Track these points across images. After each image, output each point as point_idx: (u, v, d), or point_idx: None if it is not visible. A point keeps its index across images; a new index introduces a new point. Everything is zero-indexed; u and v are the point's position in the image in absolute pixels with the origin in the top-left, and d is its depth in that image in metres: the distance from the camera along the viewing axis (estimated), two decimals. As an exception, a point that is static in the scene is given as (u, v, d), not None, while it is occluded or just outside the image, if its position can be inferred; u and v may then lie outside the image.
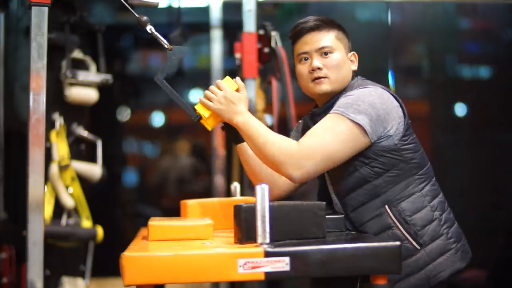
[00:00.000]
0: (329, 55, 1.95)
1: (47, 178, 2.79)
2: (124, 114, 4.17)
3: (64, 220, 2.90)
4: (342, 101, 1.86)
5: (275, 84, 2.82)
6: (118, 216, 4.07)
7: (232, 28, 3.82)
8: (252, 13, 2.68)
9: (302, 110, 2.85)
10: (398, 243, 1.58)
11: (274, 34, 2.80)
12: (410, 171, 1.88)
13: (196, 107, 1.93)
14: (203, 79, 3.84)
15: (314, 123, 2.01)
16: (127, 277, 1.49)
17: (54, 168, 2.83)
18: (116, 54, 4.11)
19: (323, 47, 1.95)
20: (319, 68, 1.94)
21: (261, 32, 2.80)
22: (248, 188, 2.70)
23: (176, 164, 4.18)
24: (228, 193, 3.17)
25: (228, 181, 3.67)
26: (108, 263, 2.83)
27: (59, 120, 2.90)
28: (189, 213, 2.10)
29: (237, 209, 1.66)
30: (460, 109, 4.02)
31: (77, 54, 2.99)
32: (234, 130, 1.93)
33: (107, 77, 3.01)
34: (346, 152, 1.82)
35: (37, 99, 1.91)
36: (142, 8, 2.31)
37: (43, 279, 1.88)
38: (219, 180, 3.86)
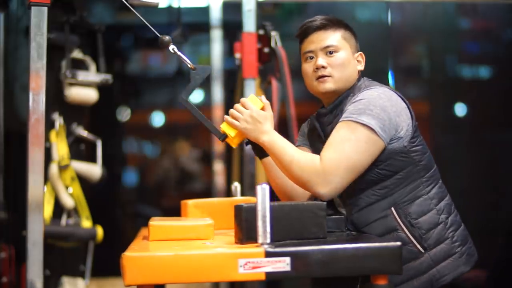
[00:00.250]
0: (334, 54, 1.95)
1: (47, 178, 2.79)
2: (124, 114, 4.16)
3: (64, 220, 2.90)
4: (353, 106, 1.85)
5: (275, 84, 2.82)
6: (118, 216, 4.07)
7: (232, 28, 3.82)
8: (252, 13, 2.68)
9: (302, 110, 2.86)
10: (398, 243, 1.57)
11: (274, 34, 2.80)
12: (418, 173, 1.88)
13: (221, 126, 1.92)
14: (203, 79, 3.83)
15: (320, 123, 2.01)
16: (128, 277, 1.49)
17: (54, 168, 2.83)
18: (116, 54, 4.10)
19: (328, 46, 1.95)
20: (323, 67, 1.94)
21: (261, 32, 2.80)
22: (248, 188, 2.70)
23: (176, 164, 4.18)
24: (229, 193, 3.17)
25: (229, 181, 3.67)
26: (108, 263, 2.83)
27: (59, 120, 2.90)
28: (190, 213, 2.10)
29: (238, 209, 1.66)
30: (460, 109, 4.02)
31: (77, 54, 2.99)
32: (259, 146, 1.92)
33: (107, 77, 3.01)
34: (367, 160, 1.82)
35: (37, 99, 1.91)
36: (142, 8, 2.31)
37: (43, 279, 1.88)
38: (219, 180, 3.86)
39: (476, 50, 4.13)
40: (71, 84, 2.91)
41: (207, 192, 3.92)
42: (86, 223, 2.94)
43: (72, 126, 2.99)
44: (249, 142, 1.95)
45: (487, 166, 3.78)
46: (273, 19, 3.63)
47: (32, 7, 1.91)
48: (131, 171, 4.21)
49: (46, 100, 1.93)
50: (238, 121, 1.88)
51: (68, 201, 2.86)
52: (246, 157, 2.73)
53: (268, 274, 1.51)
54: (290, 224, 1.65)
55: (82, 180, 2.96)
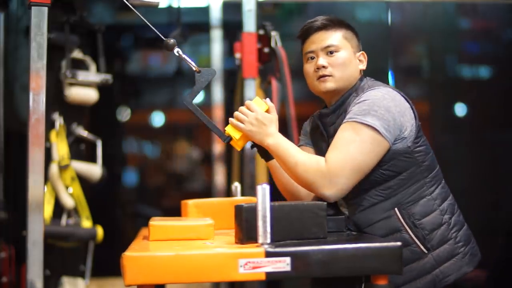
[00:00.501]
0: (335, 54, 1.95)
1: (47, 178, 2.79)
2: (124, 114, 4.16)
3: (64, 220, 2.90)
4: (357, 107, 1.85)
5: (275, 84, 2.82)
6: (118, 216, 4.07)
7: (232, 28, 3.82)
8: (252, 13, 2.67)
9: (302, 110, 2.86)
10: (399, 243, 1.57)
11: (274, 34, 2.80)
12: (421, 174, 1.88)
13: (226, 128, 1.92)
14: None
15: (323, 123, 2.01)
16: (128, 277, 1.49)
17: (54, 168, 2.83)
18: (116, 54, 4.10)
19: (328, 46, 1.95)
20: (324, 67, 1.94)
21: (261, 32, 2.80)
22: (248, 188, 2.70)
23: (177, 163, 4.18)
24: (229, 193, 3.17)
25: (229, 181, 3.67)
26: (108, 263, 2.83)
27: (59, 120, 2.90)
28: (190, 213, 2.10)
29: (238, 209, 1.66)
30: (460, 109, 4.01)
31: (77, 54, 2.99)
32: (264, 149, 1.92)
33: (107, 77, 3.01)
34: (372, 160, 1.82)
35: (37, 99, 1.91)
36: (142, 8, 2.31)
37: (43, 279, 1.88)
38: (219, 180, 3.86)
39: (476, 50, 4.12)
40: (71, 84, 2.91)
41: (207, 192, 3.92)
42: (86, 223, 2.93)
43: (72, 126, 2.99)
44: (255, 144, 1.95)
45: (487, 166, 3.78)
46: (273, 19, 3.63)
47: (32, 7, 1.91)
48: (131, 171, 4.21)
49: (46, 100, 1.93)
50: (243, 124, 1.88)
51: (68, 201, 2.86)
52: (246, 157, 2.73)
53: (268, 274, 1.51)
54: (290, 224, 1.65)
55: (82, 180, 2.96)
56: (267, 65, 2.84)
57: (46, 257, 1.93)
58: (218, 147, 3.87)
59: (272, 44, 2.79)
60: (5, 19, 3.20)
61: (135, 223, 4.00)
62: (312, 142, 2.10)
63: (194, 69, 1.91)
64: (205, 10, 3.96)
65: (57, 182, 2.84)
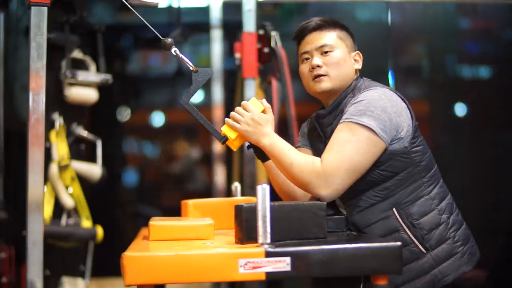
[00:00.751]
0: (329, 53, 1.95)
1: (46, 178, 2.79)
2: (124, 114, 4.16)
3: (64, 220, 2.90)
4: (353, 107, 1.85)
5: (275, 84, 2.82)
6: (118, 216, 4.07)
7: (232, 28, 3.82)
8: (252, 13, 2.67)
9: (302, 110, 2.85)
10: (399, 243, 1.57)
11: (274, 34, 2.80)
12: (419, 174, 1.88)
13: (222, 128, 1.92)
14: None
15: (320, 124, 2.01)
16: (128, 277, 1.49)
17: (54, 168, 2.83)
18: (116, 54, 4.10)
19: (323, 46, 1.96)
20: (318, 66, 1.94)
21: (261, 32, 2.80)
22: (248, 188, 2.69)
23: (177, 163, 4.18)
24: (229, 193, 3.17)
25: (229, 181, 3.67)
26: (108, 263, 2.83)
27: (59, 120, 2.89)
28: (190, 213, 2.10)
29: (238, 209, 1.66)
30: (460, 109, 4.01)
31: (77, 54, 2.98)
32: (260, 149, 1.92)
33: (107, 77, 3.01)
34: (368, 161, 1.82)
35: (37, 99, 1.91)
36: (141, 8, 2.31)
37: (43, 279, 1.88)
38: (219, 180, 3.86)
39: (476, 50, 4.12)
40: (71, 84, 2.91)
41: (207, 192, 3.92)
42: (86, 223, 2.93)
43: (72, 126, 2.99)
44: (251, 145, 1.95)
45: (487, 166, 3.78)
46: (273, 19, 3.63)
47: (32, 7, 1.91)
48: (131, 171, 4.21)
49: (46, 100, 1.93)
50: (239, 124, 1.88)
51: (68, 201, 2.86)
52: (246, 157, 2.73)
53: (268, 274, 1.51)
54: (290, 224, 1.65)
55: (82, 180, 2.96)
56: (267, 65, 2.84)
57: (46, 257, 1.93)
58: (218, 147, 3.87)
59: (272, 44, 2.79)
60: (5, 19, 3.20)
61: (135, 223, 4.00)
62: (310, 143, 2.10)
63: (191, 68, 1.91)
64: (205, 10, 3.97)
65: (57, 182, 2.84)
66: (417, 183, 1.88)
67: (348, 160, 1.78)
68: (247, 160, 2.73)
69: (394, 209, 1.86)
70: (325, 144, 1.91)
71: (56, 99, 2.90)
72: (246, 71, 2.68)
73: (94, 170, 3.00)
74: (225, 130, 1.92)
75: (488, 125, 3.81)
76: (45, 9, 1.92)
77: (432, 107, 3.97)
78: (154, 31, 1.95)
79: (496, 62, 3.95)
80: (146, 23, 1.96)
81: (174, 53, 1.92)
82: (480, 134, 3.82)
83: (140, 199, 4.15)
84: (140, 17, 1.99)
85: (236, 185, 2.36)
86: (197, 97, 4.12)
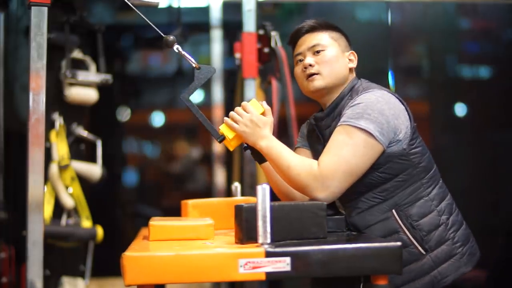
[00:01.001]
0: (321, 53, 1.97)
1: (47, 178, 2.79)
2: (124, 114, 4.16)
3: (64, 220, 2.90)
4: (351, 110, 1.85)
5: (275, 84, 2.82)
6: (118, 216, 4.07)
7: (232, 28, 3.82)
8: (252, 13, 2.67)
9: (302, 111, 2.85)
10: (399, 243, 1.57)
11: (274, 34, 2.80)
12: (418, 175, 1.88)
13: (220, 127, 1.92)
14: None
15: (318, 127, 2.01)
16: (128, 277, 1.49)
17: (54, 168, 2.83)
18: (116, 54, 4.10)
19: (314, 45, 1.98)
20: (310, 65, 1.96)
21: (261, 32, 2.80)
22: (248, 188, 2.69)
23: (177, 163, 4.18)
24: (229, 193, 3.17)
25: (229, 181, 3.67)
26: (108, 263, 2.83)
27: (59, 120, 2.89)
28: (190, 213, 2.10)
29: (238, 209, 1.66)
30: (460, 109, 4.01)
31: (77, 54, 2.98)
32: (257, 151, 1.92)
33: (107, 77, 3.01)
34: (366, 164, 1.82)
35: (37, 99, 1.91)
36: (142, 8, 2.31)
37: (43, 279, 1.89)
38: (219, 180, 3.86)
39: (476, 50, 4.12)
40: (71, 84, 2.91)
41: (207, 192, 3.92)
42: (86, 223, 2.93)
43: (72, 126, 2.99)
44: (248, 146, 1.95)
45: (487, 166, 3.78)
46: (273, 19, 3.63)
47: (32, 7, 1.91)
48: (131, 171, 4.21)
49: (46, 100, 1.93)
50: (238, 124, 1.89)
51: (68, 201, 2.86)
52: (246, 157, 2.73)
53: (268, 274, 1.51)
54: (290, 224, 1.65)
55: (82, 180, 2.96)
56: (267, 65, 2.84)
57: (46, 257, 1.93)
58: (218, 147, 3.87)
59: (272, 44, 2.79)
60: (5, 19, 3.20)
61: (135, 223, 4.00)
62: (309, 145, 2.10)
63: (194, 65, 1.91)
64: (205, 10, 3.97)
65: (57, 182, 2.84)
66: (416, 185, 1.88)
67: (345, 163, 1.79)
68: (247, 160, 2.73)
69: (393, 211, 1.86)
70: (323, 146, 1.91)
71: (56, 99, 2.90)
72: (246, 71, 2.68)
73: (94, 170, 3.00)
74: (223, 129, 1.92)
75: (488, 125, 3.81)
76: (45, 9, 1.92)
77: (432, 107, 3.97)
78: (156, 29, 1.95)
79: (496, 62, 3.95)
80: (148, 21, 1.96)
81: (177, 50, 1.92)
82: (480, 134, 3.82)
83: (140, 199, 4.15)
84: (142, 15, 1.99)
85: (236, 185, 2.36)
86: (197, 97, 4.12)
